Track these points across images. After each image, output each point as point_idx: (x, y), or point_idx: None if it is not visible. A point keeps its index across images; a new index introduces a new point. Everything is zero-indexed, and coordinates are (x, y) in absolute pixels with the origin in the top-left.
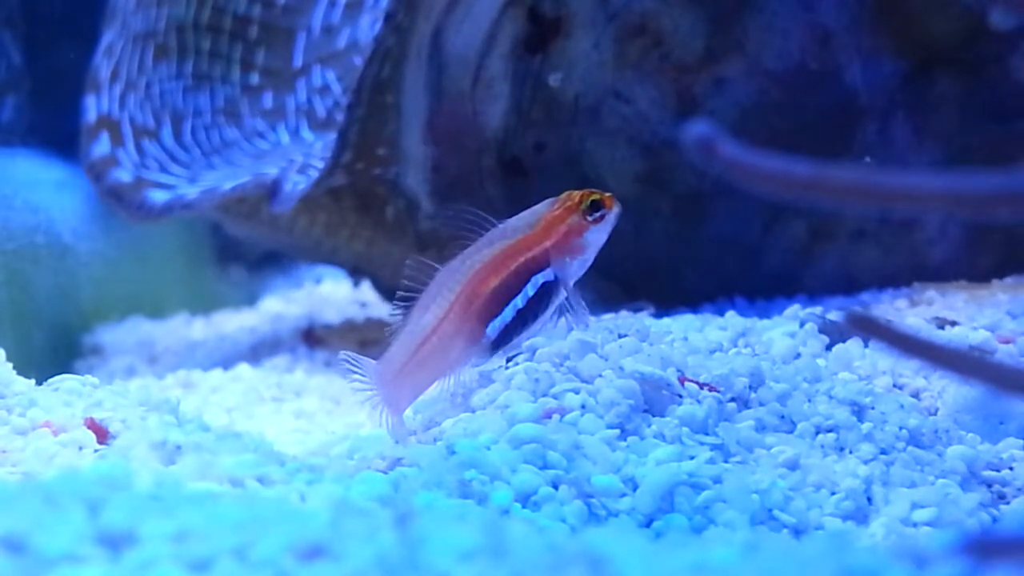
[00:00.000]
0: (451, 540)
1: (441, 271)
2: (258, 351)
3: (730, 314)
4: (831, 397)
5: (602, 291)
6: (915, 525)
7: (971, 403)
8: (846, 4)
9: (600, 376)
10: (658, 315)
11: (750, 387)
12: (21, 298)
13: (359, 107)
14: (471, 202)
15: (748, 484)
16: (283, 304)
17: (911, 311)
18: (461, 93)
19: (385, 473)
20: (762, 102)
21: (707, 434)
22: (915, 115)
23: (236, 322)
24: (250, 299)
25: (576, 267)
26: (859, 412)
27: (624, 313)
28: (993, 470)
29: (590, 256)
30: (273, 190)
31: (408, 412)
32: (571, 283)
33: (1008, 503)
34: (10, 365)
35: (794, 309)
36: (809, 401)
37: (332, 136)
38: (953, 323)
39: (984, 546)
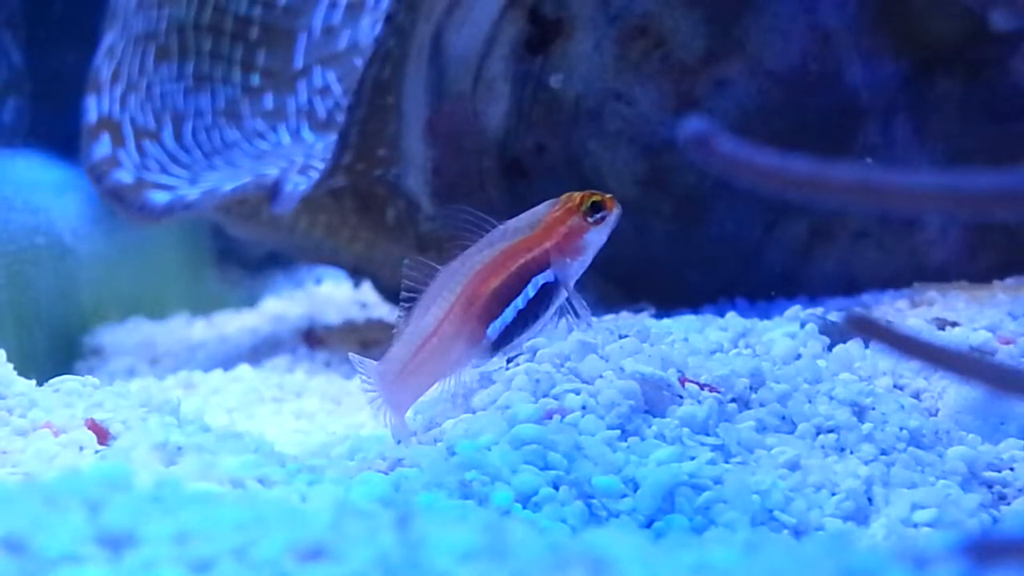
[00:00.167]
0: (452, 541)
1: (442, 272)
2: (259, 352)
3: (731, 315)
4: (832, 398)
5: (603, 292)
6: (916, 526)
7: (972, 404)
8: (846, 5)
9: (601, 377)
10: (659, 316)
11: (751, 388)
12: (22, 299)
13: (360, 108)
14: (471, 203)
15: (749, 485)
16: (284, 305)
17: (912, 312)
18: (462, 94)
19: (386, 474)
20: (763, 103)
21: (708, 435)
22: (915, 116)
23: (237, 323)
24: (251, 300)
25: (576, 268)
26: (860, 413)
27: (625, 314)
28: (994, 471)
29: (590, 257)
30: (274, 191)
31: (409, 413)
32: (571, 284)
33: (1009, 504)
34: (11, 366)
35: (795, 310)
36: (810, 402)
37: (333, 137)
38: (954, 324)
39: (984, 547)
